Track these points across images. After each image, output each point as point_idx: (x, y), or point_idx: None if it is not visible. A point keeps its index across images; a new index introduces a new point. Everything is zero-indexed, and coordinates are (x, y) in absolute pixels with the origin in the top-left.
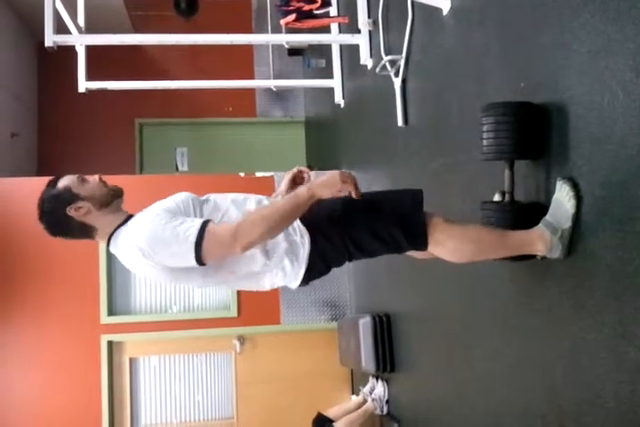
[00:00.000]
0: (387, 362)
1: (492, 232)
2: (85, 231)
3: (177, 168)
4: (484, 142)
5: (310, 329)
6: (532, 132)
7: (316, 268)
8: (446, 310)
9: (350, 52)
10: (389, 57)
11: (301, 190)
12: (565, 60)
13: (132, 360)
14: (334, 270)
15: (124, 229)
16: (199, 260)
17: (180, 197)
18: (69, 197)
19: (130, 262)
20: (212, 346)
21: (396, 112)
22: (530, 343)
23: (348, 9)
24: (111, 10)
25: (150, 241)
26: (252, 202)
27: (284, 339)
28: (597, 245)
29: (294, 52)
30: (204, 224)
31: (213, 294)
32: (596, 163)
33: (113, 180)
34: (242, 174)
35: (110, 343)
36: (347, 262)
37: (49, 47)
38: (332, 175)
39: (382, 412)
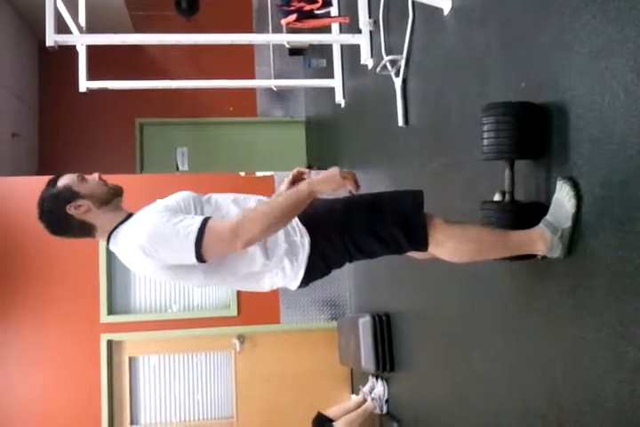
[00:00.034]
0: (386, 361)
1: (491, 232)
2: (85, 230)
3: (177, 168)
4: (485, 142)
5: (310, 328)
6: (533, 132)
7: (317, 268)
8: (446, 309)
9: (351, 52)
10: (390, 57)
11: (302, 186)
12: (566, 60)
13: (131, 359)
14: (334, 270)
15: (124, 227)
16: (200, 257)
17: (182, 196)
18: (69, 195)
19: (130, 261)
20: (211, 345)
21: (396, 112)
22: (530, 343)
23: (349, 9)
24: (112, 9)
25: (151, 238)
26: (253, 202)
27: (284, 338)
28: (597, 244)
29: (295, 51)
30: (205, 221)
31: (213, 294)
32: (596, 163)
33: (113, 179)
34: (242, 174)
35: (110, 342)
36: (347, 263)
37: (50, 47)
38: (332, 171)
39: (382, 411)
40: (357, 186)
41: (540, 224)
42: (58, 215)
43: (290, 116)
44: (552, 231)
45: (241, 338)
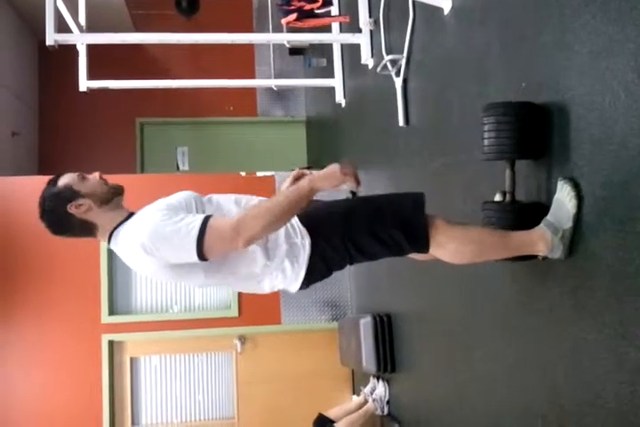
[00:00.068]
0: (387, 362)
1: (492, 233)
2: (86, 229)
3: (178, 167)
4: (485, 142)
5: (311, 329)
6: (534, 133)
7: (317, 270)
8: (447, 310)
9: (351, 52)
10: (390, 56)
11: (302, 183)
12: (567, 60)
13: (132, 360)
14: (335, 272)
15: (125, 226)
16: (201, 255)
17: (183, 195)
18: (70, 194)
19: (131, 260)
20: (212, 346)
21: (397, 112)
22: (530, 344)
23: (349, 8)
24: (112, 9)
25: (152, 237)
26: (254, 203)
27: (285, 339)
28: (598, 245)
29: (295, 51)
30: (206, 219)
31: (214, 294)
32: (597, 163)
33: (114, 179)
34: (243, 174)
35: (111, 343)
36: (348, 265)
37: (50, 46)
38: (332, 168)
39: (383, 412)
40: (358, 182)
41: (541, 225)
42: (59, 214)
43: (290, 115)
44: (553, 232)
45: (242, 339)
